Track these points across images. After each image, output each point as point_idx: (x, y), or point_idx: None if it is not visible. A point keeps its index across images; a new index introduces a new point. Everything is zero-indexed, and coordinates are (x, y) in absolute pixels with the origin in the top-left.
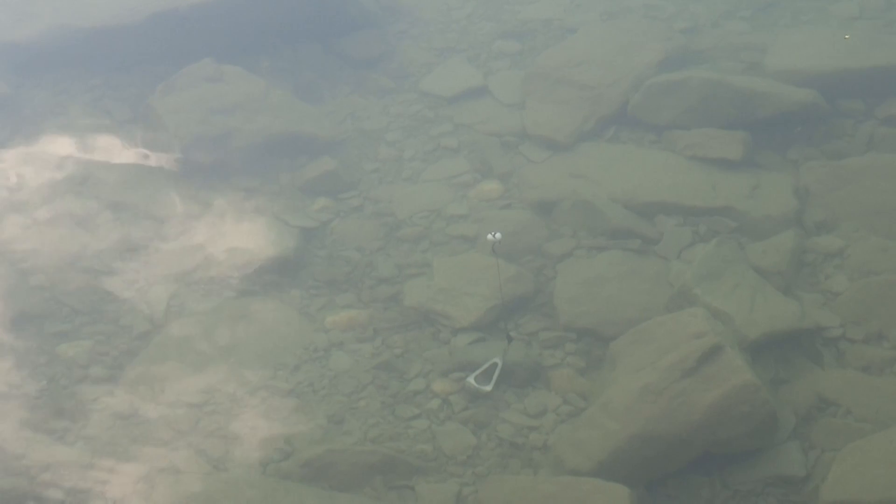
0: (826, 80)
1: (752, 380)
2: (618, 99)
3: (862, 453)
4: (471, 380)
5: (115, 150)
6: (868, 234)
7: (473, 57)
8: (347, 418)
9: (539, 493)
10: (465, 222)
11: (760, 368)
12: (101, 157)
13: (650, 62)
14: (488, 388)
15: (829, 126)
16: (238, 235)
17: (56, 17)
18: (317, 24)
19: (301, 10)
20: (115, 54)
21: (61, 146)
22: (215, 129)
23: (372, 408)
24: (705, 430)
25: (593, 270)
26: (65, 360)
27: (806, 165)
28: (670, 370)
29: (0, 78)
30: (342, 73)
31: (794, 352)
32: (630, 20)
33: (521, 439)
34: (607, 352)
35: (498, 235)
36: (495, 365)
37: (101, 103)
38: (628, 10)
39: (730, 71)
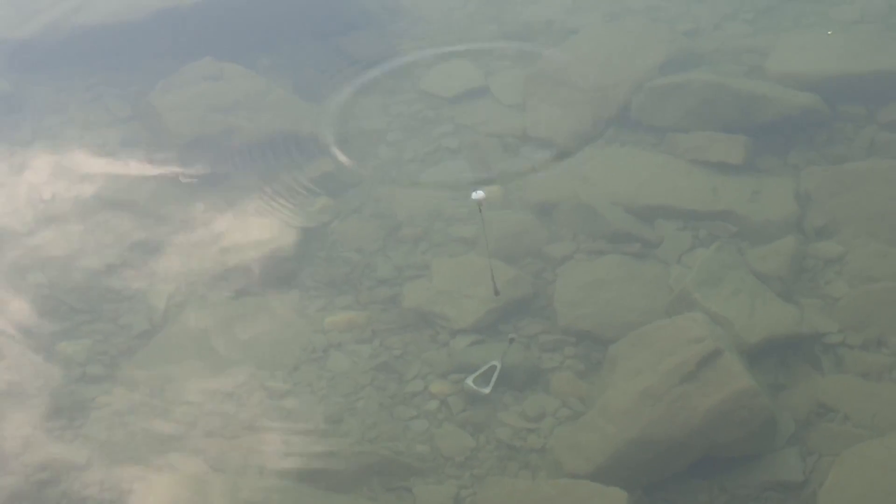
0: (828, 84)
1: (752, 385)
2: (619, 101)
3: (860, 459)
4: (469, 382)
5: (114, 148)
6: (869, 239)
7: (475, 57)
8: (345, 419)
9: (537, 495)
10: (465, 224)
11: (760, 373)
12: (100, 155)
13: (652, 64)
14: (487, 390)
15: (830, 130)
16: (237, 235)
17: (57, 14)
18: (318, 22)
19: (302, 9)
20: (115, 52)
21: (60, 143)
22: (215, 128)
23: (370, 409)
24: (704, 435)
25: (593, 274)
26: (63, 358)
27: (807, 170)
28: (670, 374)
29: (0, 75)
30: (343, 72)
31: (793, 357)
32: (632, 22)
33: (520, 442)
34: (606, 355)
35: (481, 193)
36: (494, 367)
37: (102, 101)
38: (630, 12)
39: (731, 74)
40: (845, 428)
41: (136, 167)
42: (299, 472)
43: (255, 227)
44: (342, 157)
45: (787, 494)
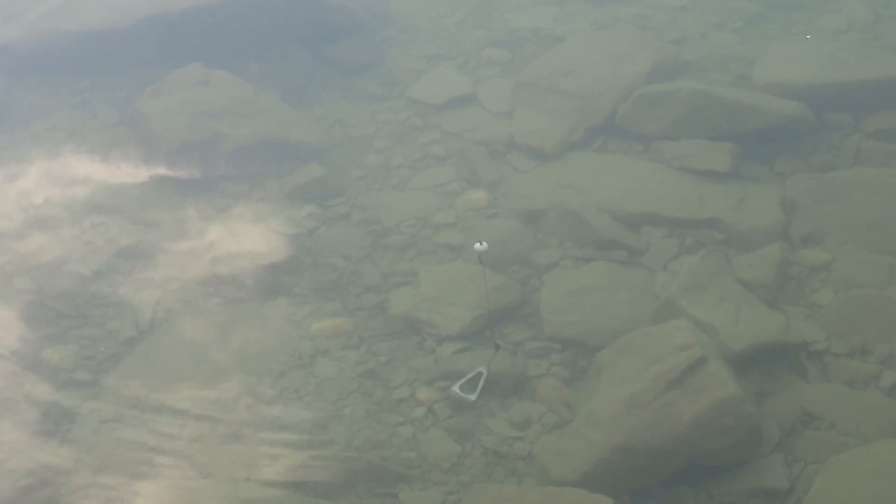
0: (814, 93)
1: (737, 392)
2: (606, 109)
3: (844, 467)
4: (456, 388)
5: (101, 154)
6: (854, 247)
7: (462, 65)
8: (332, 425)
9: (523, 502)
10: (452, 231)
11: (745, 381)
12: (88, 161)
13: (639, 72)
14: (473, 397)
15: (816, 139)
16: (224, 242)
17: (46, 19)
18: (306, 29)
19: (291, 16)
20: (104, 57)
21: (48, 149)
22: (203, 134)
23: (357, 415)
24: (690, 442)
25: (579, 281)
26: (50, 363)
27: (793, 178)
28: (655, 381)
29: None
30: (331, 79)
31: (778, 365)
32: (620, 30)
33: (506, 448)
34: (592, 362)
35: (484, 245)
36: (480, 374)
37: (89, 106)
38: (618, 20)
39: (718, 82)
40: (830, 436)
41: (123, 173)
42: (287, 478)
43: (242, 234)
44: (330, 164)
45: (773, 502)
